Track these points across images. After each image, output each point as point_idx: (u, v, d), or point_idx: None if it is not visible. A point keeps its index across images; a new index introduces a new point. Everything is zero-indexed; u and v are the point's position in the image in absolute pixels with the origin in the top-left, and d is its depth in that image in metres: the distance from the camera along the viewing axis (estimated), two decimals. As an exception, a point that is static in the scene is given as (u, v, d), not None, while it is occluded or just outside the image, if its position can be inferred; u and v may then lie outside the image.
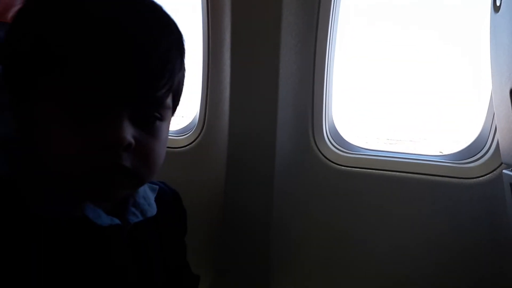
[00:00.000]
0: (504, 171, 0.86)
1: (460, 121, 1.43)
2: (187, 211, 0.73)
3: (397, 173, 1.12)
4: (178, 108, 0.61)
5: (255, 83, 1.09)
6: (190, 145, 1.24)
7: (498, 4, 0.77)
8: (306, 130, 1.17)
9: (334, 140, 1.22)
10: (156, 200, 0.62)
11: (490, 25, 0.82)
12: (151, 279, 0.60)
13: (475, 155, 1.11)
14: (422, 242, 1.13)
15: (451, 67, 1.37)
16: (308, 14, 1.08)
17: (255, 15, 1.03)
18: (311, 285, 1.23)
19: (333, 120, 1.24)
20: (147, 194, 0.61)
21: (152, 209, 0.60)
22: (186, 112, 1.34)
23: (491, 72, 0.84)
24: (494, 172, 1.05)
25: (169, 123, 0.57)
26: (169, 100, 0.55)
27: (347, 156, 1.18)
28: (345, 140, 1.23)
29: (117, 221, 0.53)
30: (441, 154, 1.21)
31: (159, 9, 0.53)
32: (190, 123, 1.32)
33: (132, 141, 0.48)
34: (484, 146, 1.10)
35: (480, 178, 1.06)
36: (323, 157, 1.18)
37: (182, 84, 0.58)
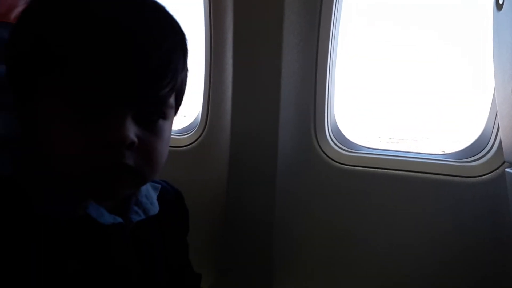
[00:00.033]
0: (506, 169, 0.86)
1: (461, 120, 1.43)
2: (189, 210, 0.73)
3: (400, 172, 1.12)
4: (180, 107, 0.61)
5: (257, 83, 1.09)
6: (192, 144, 1.25)
7: (501, 2, 0.77)
8: (308, 129, 1.17)
9: (336, 139, 1.22)
10: (158, 199, 0.62)
11: (493, 23, 0.82)
12: (153, 278, 0.60)
13: (478, 153, 1.11)
14: (425, 240, 1.13)
15: (451, 67, 1.37)
16: (310, 14, 1.08)
17: (257, 14, 1.03)
18: (313, 284, 1.23)
19: (335, 119, 1.24)
20: (149, 193, 0.61)
21: (154, 208, 0.60)
22: (188, 111, 1.34)
23: (494, 70, 0.84)
24: (497, 170, 1.05)
25: (171, 122, 0.57)
26: (172, 99, 0.55)
27: (349, 155, 1.18)
28: (347, 139, 1.23)
29: (119, 219, 0.53)
30: (443, 153, 1.21)
31: (161, 10, 0.53)
32: (192, 122, 1.32)
33: (135, 139, 0.48)
34: (487, 144, 1.10)
35: (483, 177, 1.06)
36: (325, 156, 1.17)
37: (185, 84, 0.59)
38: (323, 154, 1.18)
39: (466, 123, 1.37)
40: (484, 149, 1.10)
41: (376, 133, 1.52)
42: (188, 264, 0.74)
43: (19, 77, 0.51)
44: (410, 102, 1.49)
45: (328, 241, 1.21)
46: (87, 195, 0.51)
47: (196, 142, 1.24)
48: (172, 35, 0.52)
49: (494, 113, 1.07)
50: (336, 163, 1.17)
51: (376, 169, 1.14)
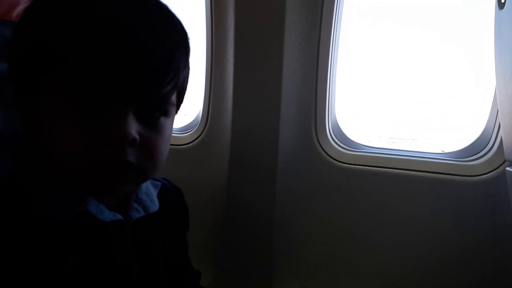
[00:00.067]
0: (507, 168, 0.86)
1: (462, 120, 1.43)
2: (189, 208, 0.73)
3: (400, 171, 1.12)
4: (182, 105, 0.61)
5: (258, 81, 1.09)
6: (193, 143, 1.25)
7: (503, 1, 0.76)
8: (309, 128, 1.17)
9: (337, 138, 1.22)
10: (158, 196, 0.62)
11: (495, 22, 0.82)
12: (153, 275, 0.60)
13: (479, 152, 1.11)
14: (425, 239, 1.13)
15: (453, 67, 1.37)
16: (312, 12, 1.08)
17: (258, 13, 1.03)
18: (314, 282, 1.23)
19: (336, 118, 1.23)
20: (149, 190, 0.61)
21: (154, 205, 0.60)
22: (189, 110, 1.34)
23: (495, 69, 0.83)
24: (497, 169, 1.04)
25: (173, 120, 0.57)
26: (173, 97, 0.55)
27: (350, 154, 1.18)
28: (348, 138, 1.23)
29: (119, 216, 0.53)
30: (444, 152, 1.21)
31: (164, 8, 0.53)
32: (193, 120, 1.32)
33: (137, 136, 0.48)
34: (488, 143, 1.10)
35: (484, 176, 1.06)
36: (326, 155, 1.17)
37: (187, 82, 0.59)
38: (323, 152, 1.18)
39: (467, 123, 1.37)
40: (484, 148, 1.10)
41: (376, 133, 1.52)
42: (187, 261, 0.75)
43: (21, 75, 0.51)
44: (411, 102, 1.49)
45: (329, 239, 1.21)
46: (88, 192, 0.51)
47: (197, 140, 1.24)
48: (174, 33, 0.52)
49: (495, 112, 1.07)
50: (336, 162, 1.17)
51: (377, 168, 1.14)
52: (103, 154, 0.47)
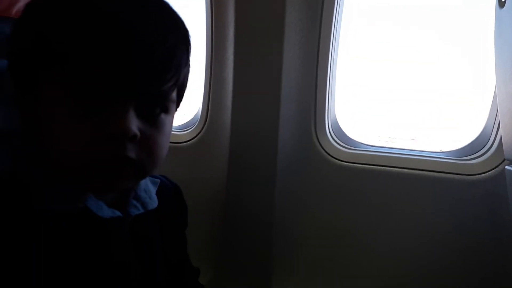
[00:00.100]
0: (507, 167, 0.86)
1: (461, 120, 1.43)
2: (188, 206, 0.73)
3: (400, 169, 1.12)
4: (182, 102, 0.61)
5: (258, 79, 1.08)
6: (192, 140, 1.25)
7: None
8: (308, 126, 1.17)
9: (336, 136, 1.22)
10: (157, 193, 0.62)
11: (495, 21, 0.82)
12: (152, 272, 0.61)
13: (478, 151, 1.11)
14: (424, 238, 1.13)
15: (451, 67, 1.37)
16: (312, 10, 1.08)
17: (258, 10, 1.03)
18: (313, 282, 1.23)
19: (335, 117, 1.23)
20: (148, 187, 0.61)
21: (153, 202, 0.60)
22: (188, 109, 1.34)
23: (495, 68, 0.83)
24: (497, 168, 1.05)
25: (173, 117, 0.57)
26: (174, 94, 0.55)
27: (349, 152, 1.18)
28: (347, 136, 1.23)
29: (118, 213, 0.54)
30: (443, 150, 1.21)
31: (165, 5, 0.53)
32: (192, 118, 1.32)
33: (138, 132, 0.48)
34: (487, 142, 1.10)
35: (483, 175, 1.06)
36: (325, 153, 1.18)
37: (187, 79, 0.59)
38: (323, 151, 1.18)
39: (466, 123, 1.37)
40: (484, 147, 1.10)
41: (376, 132, 1.52)
42: (186, 258, 0.75)
43: (21, 71, 0.51)
44: (410, 101, 1.49)
45: (328, 238, 1.21)
46: (88, 187, 0.51)
47: (196, 138, 1.24)
48: (175, 30, 0.52)
49: (494, 111, 1.07)
50: (336, 160, 1.17)
51: (376, 167, 1.14)
52: (103, 150, 0.47)
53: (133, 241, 0.58)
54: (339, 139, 1.21)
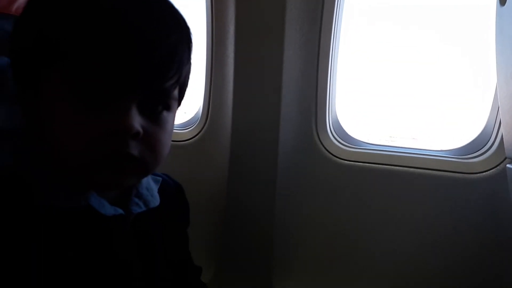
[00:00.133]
0: (508, 165, 0.86)
1: (462, 118, 1.43)
2: (189, 204, 0.73)
3: (400, 168, 1.12)
4: (183, 100, 0.61)
5: (258, 77, 1.08)
6: (193, 139, 1.25)
7: (504, -3, 0.76)
8: (309, 125, 1.17)
9: (337, 135, 1.22)
10: (159, 191, 0.62)
11: (496, 18, 0.82)
12: (154, 270, 0.60)
13: (479, 150, 1.11)
14: (425, 236, 1.13)
15: (452, 66, 1.37)
16: (313, 9, 1.08)
17: (259, 9, 1.03)
18: (314, 281, 1.23)
19: (336, 115, 1.23)
20: (150, 185, 0.61)
21: (155, 200, 0.60)
22: (189, 108, 1.34)
23: (496, 66, 0.83)
24: (498, 167, 1.05)
25: (175, 115, 0.57)
26: (175, 92, 0.55)
27: (350, 151, 1.18)
28: (348, 135, 1.23)
29: (120, 211, 0.53)
30: (444, 149, 1.21)
31: (167, 3, 0.53)
32: (193, 116, 1.32)
33: (140, 129, 0.48)
34: (488, 141, 1.10)
35: (484, 173, 1.06)
36: (326, 152, 1.17)
37: (188, 77, 0.59)
38: (324, 149, 1.18)
39: (466, 121, 1.37)
40: (485, 145, 1.10)
41: (376, 131, 1.52)
42: (188, 257, 0.75)
43: (23, 69, 0.51)
44: (410, 101, 1.49)
45: (328, 236, 1.21)
46: (90, 185, 0.51)
47: (197, 137, 1.24)
48: (178, 28, 0.52)
49: (495, 109, 1.07)
50: (337, 159, 1.17)
51: (377, 165, 1.14)
52: (105, 147, 0.47)
53: (135, 239, 0.58)
54: (340, 138, 1.21)
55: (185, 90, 0.60)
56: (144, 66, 0.47)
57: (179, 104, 0.59)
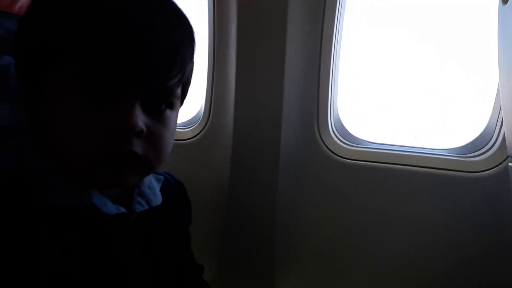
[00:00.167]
0: (510, 164, 0.86)
1: (464, 117, 1.43)
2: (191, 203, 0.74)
3: (403, 167, 1.12)
4: (186, 99, 0.61)
5: (260, 76, 1.08)
6: (195, 138, 1.25)
7: (506, -5, 0.76)
8: (311, 123, 1.17)
9: (339, 134, 1.21)
10: (161, 190, 0.62)
11: (498, 17, 0.82)
12: (156, 269, 0.61)
13: (481, 148, 1.11)
14: (427, 235, 1.13)
15: (453, 65, 1.37)
16: (315, 7, 1.08)
17: (261, 7, 1.03)
18: (316, 279, 1.23)
19: (338, 113, 1.23)
20: (152, 184, 0.61)
21: (157, 199, 0.60)
22: (190, 107, 1.34)
23: (498, 64, 0.83)
24: (500, 165, 1.04)
25: (177, 113, 0.58)
26: (179, 90, 0.55)
27: (352, 150, 1.18)
28: (350, 134, 1.23)
29: (123, 209, 0.53)
30: (446, 148, 1.21)
31: (170, 3, 0.53)
32: (195, 115, 1.32)
33: (144, 127, 0.48)
34: (490, 139, 1.09)
35: (486, 172, 1.06)
36: (328, 150, 1.17)
37: (191, 76, 0.59)
38: (325, 148, 1.18)
39: (468, 120, 1.37)
40: (487, 144, 1.10)
41: (378, 130, 1.52)
42: (190, 255, 0.75)
43: (27, 68, 0.51)
44: (412, 99, 1.49)
45: (330, 235, 1.21)
46: (93, 183, 0.51)
47: (199, 136, 1.24)
48: (181, 27, 0.52)
49: (497, 108, 1.07)
50: (338, 158, 1.17)
51: (379, 164, 1.14)
52: (109, 145, 0.47)
53: (137, 238, 0.58)
54: (341, 137, 1.21)
55: (187, 89, 0.60)
56: (147, 64, 0.47)
57: (181, 103, 0.59)
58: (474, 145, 1.14)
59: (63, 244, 0.49)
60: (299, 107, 1.14)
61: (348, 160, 1.16)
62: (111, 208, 0.52)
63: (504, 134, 1.02)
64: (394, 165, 1.13)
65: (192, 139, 1.25)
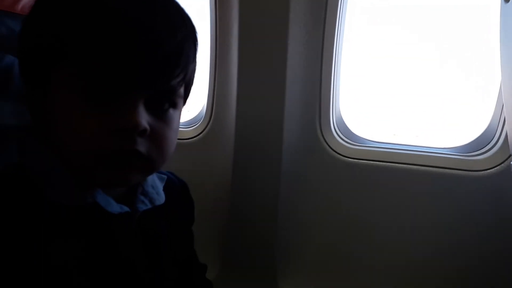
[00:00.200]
0: (512, 163, 0.86)
1: (466, 116, 1.43)
2: (194, 202, 0.74)
3: (404, 165, 1.12)
4: (188, 98, 0.61)
5: (262, 75, 1.09)
6: (198, 137, 1.25)
7: (508, -6, 0.76)
8: (313, 122, 1.17)
9: (341, 132, 1.22)
10: (164, 189, 0.62)
11: (500, 16, 0.82)
12: (159, 268, 0.61)
13: (483, 147, 1.11)
14: (429, 234, 1.13)
15: (455, 64, 1.37)
16: (316, 6, 1.08)
17: (263, 6, 1.03)
18: (318, 277, 1.23)
19: (340, 112, 1.23)
20: (155, 183, 0.61)
21: (160, 198, 0.60)
22: (192, 106, 1.34)
23: (501, 63, 0.83)
24: (502, 164, 1.04)
25: (181, 112, 0.58)
26: (182, 90, 0.55)
27: (354, 148, 1.18)
28: (352, 132, 1.23)
29: (126, 208, 0.54)
30: (449, 147, 1.21)
31: (172, 2, 0.53)
32: (197, 114, 1.32)
33: (147, 126, 0.48)
34: (492, 138, 1.10)
35: (488, 171, 1.06)
36: (330, 149, 1.17)
37: (194, 75, 0.59)
38: (328, 147, 1.18)
39: (471, 119, 1.37)
40: (489, 143, 1.10)
41: (380, 129, 1.52)
42: (193, 254, 0.75)
43: (31, 68, 0.51)
44: (414, 98, 1.49)
45: (332, 234, 1.21)
46: (97, 182, 0.51)
47: (201, 135, 1.24)
48: (183, 26, 0.52)
49: (500, 107, 1.07)
50: (341, 156, 1.17)
51: (381, 163, 1.14)
52: (113, 143, 0.47)
53: (141, 237, 0.58)
54: (344, 135, 1.21)
55: (190, 88, 0.60)
56: (150, 63, 0.47)
57: (184, 102, 0.59)
58: (476, 144, 1.14)
59: (64, 244, 0.49)
60: (301, 106, 1.14)
61: (350, 159, 1.16)
62: (115, 207, 0.53)
63: (506, 133, 1.01)
64: (397, 164, 1.13)
65: (194, 138, 1.25)
